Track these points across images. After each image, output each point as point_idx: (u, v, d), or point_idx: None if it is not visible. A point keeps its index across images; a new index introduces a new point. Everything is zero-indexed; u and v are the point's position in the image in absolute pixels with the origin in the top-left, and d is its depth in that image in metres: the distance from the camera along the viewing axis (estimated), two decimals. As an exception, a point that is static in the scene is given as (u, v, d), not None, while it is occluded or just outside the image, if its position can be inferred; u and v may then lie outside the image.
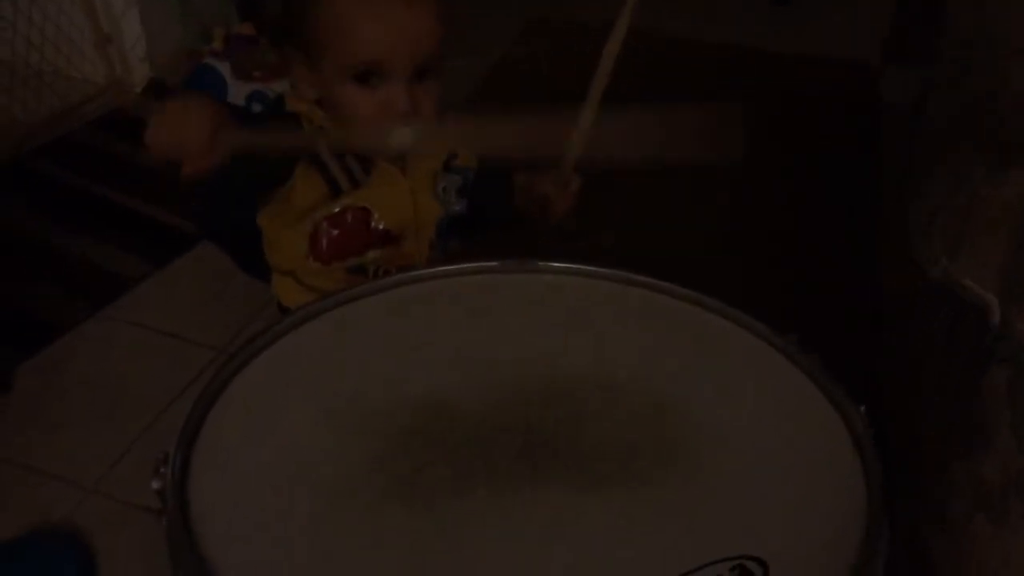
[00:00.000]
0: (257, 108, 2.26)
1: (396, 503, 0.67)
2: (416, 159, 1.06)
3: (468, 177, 1.11)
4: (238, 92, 2.29)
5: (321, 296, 0.88)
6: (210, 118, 0.81)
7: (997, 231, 0.99)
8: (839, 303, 1.76)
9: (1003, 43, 1.24)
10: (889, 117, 2.38)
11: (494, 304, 0.89)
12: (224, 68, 2.29)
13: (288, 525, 0.66)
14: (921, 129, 1.42)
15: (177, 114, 0.83)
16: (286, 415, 0.75)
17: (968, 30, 1.42)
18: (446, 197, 1.09)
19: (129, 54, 2.33)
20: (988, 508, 0.99)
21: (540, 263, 0.93)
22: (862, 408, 0.75)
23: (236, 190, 0.96)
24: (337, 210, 1.02)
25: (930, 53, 1.67)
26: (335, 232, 1.03)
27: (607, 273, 0.91)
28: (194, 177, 0.82)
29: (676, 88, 2.50)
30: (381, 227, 1.04)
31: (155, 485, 0.69)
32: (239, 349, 0.81)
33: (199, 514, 0.66)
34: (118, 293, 1.73)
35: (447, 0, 1.00)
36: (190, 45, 2.35)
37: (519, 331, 0.85)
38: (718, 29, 2.80)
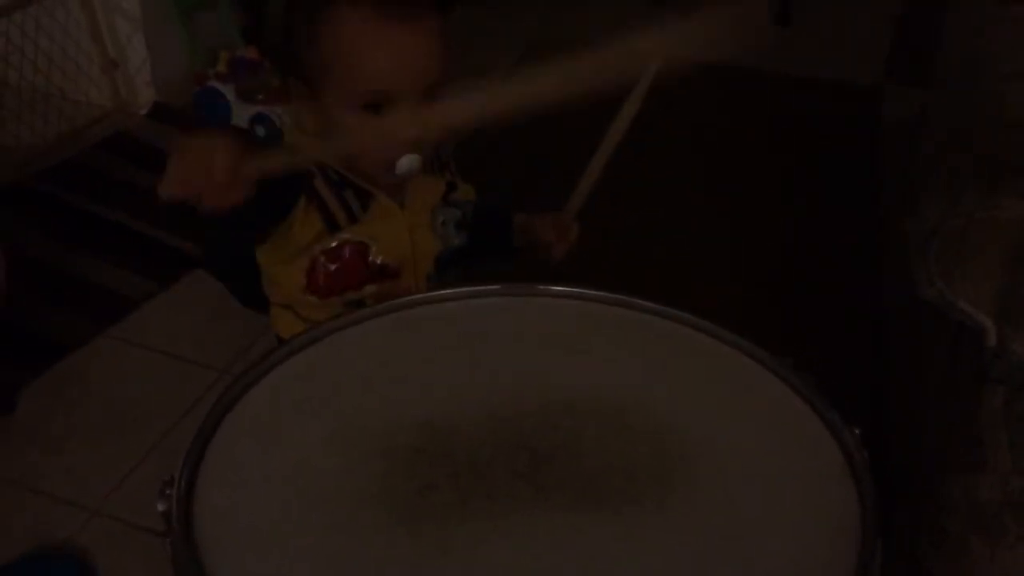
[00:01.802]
0: (261, 131, 2.28)
1: (399, 525, 0.67)
2: (415, 194, 1.06)
3: (467, 210, 1.11)
4: (242, 115, 2.31)
5: (323, 321, 0.89)
6: (233, 155, 0.79)
7: (993, 253, 1.00)
8: (839, 322, 1.77)
9: (999, 67, 1.25)
10: (888, 138, 2.39)
11: (494, 327, 0.89)
12: (228, 91, 2.31)
13: (292, 548, 0.67)
14: (919, 150, 1.43)
15: (202, 152, 0.80)
16: (290, 438, 0.76)
17: (965, 53, 1.43)
18: (445, 231, 1.09)
19: (134, 78, 2.36)
20: (984, 527, 0.99)
21: (539, 287, 0.94)
22: (857, 431, 0.76)
23: (239, 226, 0.95)
24: (334, 244, 1.01)
25: (928, 75, 1.68)
26: (332, 267, 1.02)
27: (606, 297, 0.92)
28: (215, 213, 0.80)
29: (674, 108, 2.51)
30: (379, 261, 1.03)
31: (160, 507, 0.69)
32: (243, 372, 0.82)
33: (204, 537, 0.67)
34: (122, 314, 1.74)
35: (446, 19, 0.99)
36: (195, 69, 2.37)
37: (519, 354, 0.86)
38: (719, 50, 2.81)
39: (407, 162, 0.97)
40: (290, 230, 1.00)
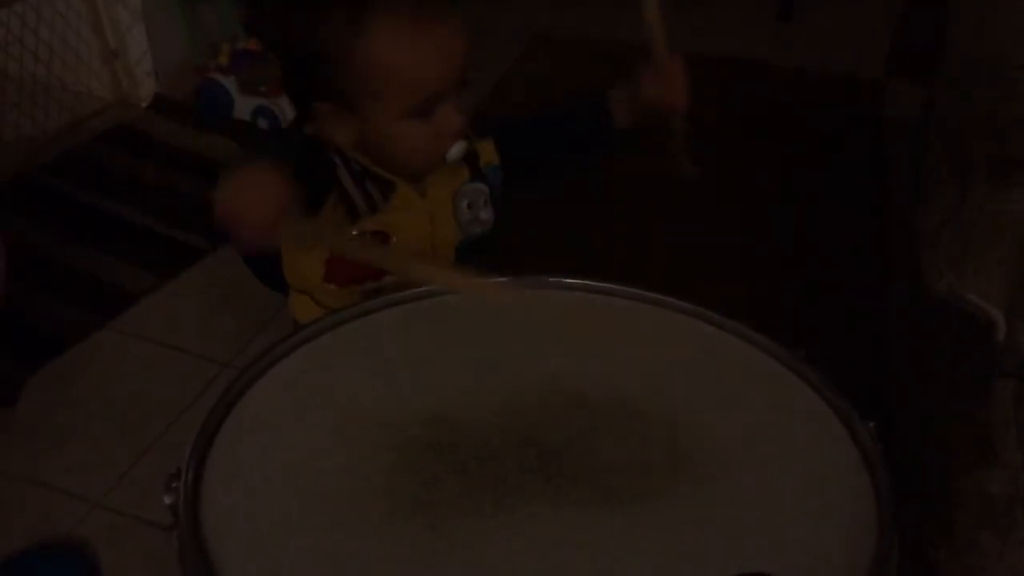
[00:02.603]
0: (263, 124, 2.28)
1: (407, 519, 0.67)
2: (436, 181, 1.05)
3: (496, 178, 1.10)
4: (244, 107, 2.30)
5: (332, 311, 0.89)
6: (279, 200, 0.77)
7: (1002, 246, 0.99)
8: (845, 317, 1.76)
9: (1006, 59, 1.24)
10: (892, 132, 2.39)
11: (505, 320, 0.89)
12: (230, 83, 2.30)
13: (299, 540, 0.66)
14: (925, 144, 1.43)
15: (252, 185, 0.78)
16: (296, 430, 0.76)
17: (971, 46, 1.43)
18: (471, 214, 1.08)
19: (135, 69, 2.35)
20: (995, 522, 0.99)
21: (551, 279, 0.93)
22: (871, 424, 0.75)
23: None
24: (355, 233, 1.01)
25: (933, 68, 1.68)
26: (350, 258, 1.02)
27: (617, 289, 0.92)
28: (246, 251, 0.80)
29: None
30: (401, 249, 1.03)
31: (167, 500, 0.69)
32: (249, 364, 0.81)
33: (211, 529, 0.67)
34: (124, 307, 1.73)
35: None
36: (196, 60, 2.36)
37: (529, 347, 0.85)
38: (721, 43, 2.80)
39: (457, 150, 0.99)
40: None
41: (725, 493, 0.70)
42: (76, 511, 1.35)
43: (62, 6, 2.23)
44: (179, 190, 2.04)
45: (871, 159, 2.30)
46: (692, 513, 0.69)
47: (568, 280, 0.93)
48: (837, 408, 0.78)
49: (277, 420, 0.77)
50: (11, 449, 1.44)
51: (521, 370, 0.82)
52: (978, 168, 1.10)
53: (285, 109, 2.29)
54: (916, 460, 1.19)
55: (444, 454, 0.72)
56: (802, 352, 0.83)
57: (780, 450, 0.75)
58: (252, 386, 0.80)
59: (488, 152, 1.09)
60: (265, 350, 0.83)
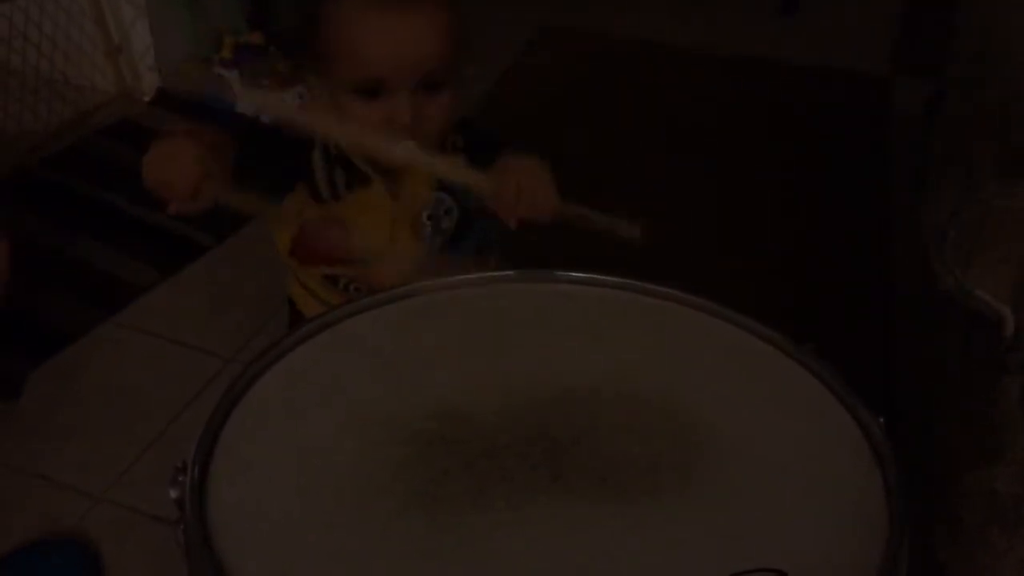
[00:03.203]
0: (266, 118, 2.27)
1: (415, 514, 0.67)
2: (408, 185, 1.05)
3: (461, 192, 1.08)
4: (246, 101, 2.30)
5: (339, 304, 0.88)
6: (195, 165, 0.81)
7: (1010, 242, 0.99)
8: (850, 314, 1.76)
9: (1014, 53, 1.24)
10: (899, 127, 2.38)
11: (511, 314, 0.88)
12: (233, 77, 2.30)
13: (306, 535, 0.66)
14: (932, 140, 1.42)
15: (164, 154, 0.83)
16: (304, 423, 0.75)
17: (979, 40, 1.42)
18: (432, 225, 1.07)
19: (138, 63, 2.34)
20: (1002, 519, 0.98)
21: (557, 273, 0.93)
22: (881, 420, 0.74)
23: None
24: (316, 218, 1.03)
25: (940, 63, 1.67)
26: (309, 238, 1.04)
27: (624, 283, 0.91)
28: (178, 214, 0.82)
29: (681, 98, 2.50)
30: (355, 245, 1.04)
31: (173, 494, 0.69)
32: (255, 358, 0.81)
33: (217, 523, 0.66)
34: (127, 301, 1.73)
35: (458, 9, 0.99)
36: (199, 54, 2.36)
37: (536, 341, 0.85)
38: (724, 39, 2.80)
39: (403, 148, 0.96)
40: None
41: (734, 490, 0.70)
42: (78, 506, 1.34)
43: (65, 1, 2.23)
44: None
45: (876, 155, 2.29)
46: (700, 510, 0.68)
47: (574, 274, 0.92)
48: (847, 403, 0.77)
49: (283, 414, 0.76)
50: (13, 444, 1.44)
51: (529, 365, 0.81)
52: (986, 164, 1.09)
53: (288, 102, 2.29)
54: (923, 457, 1.18)
55: (452, 450, 0.72)
56: (811, 346, 0.82)
57: (789, 446, 0.74)
58: (258, 380, 0.79)
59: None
60: (271, 344, 0.82)
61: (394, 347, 0.84)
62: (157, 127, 2.25)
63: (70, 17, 2.25)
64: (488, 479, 0.69)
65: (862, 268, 1.90)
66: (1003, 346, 0.97)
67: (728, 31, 2.85)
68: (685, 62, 2.69)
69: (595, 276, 0.92)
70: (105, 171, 2.08)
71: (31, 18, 2.18)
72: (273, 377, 0.80)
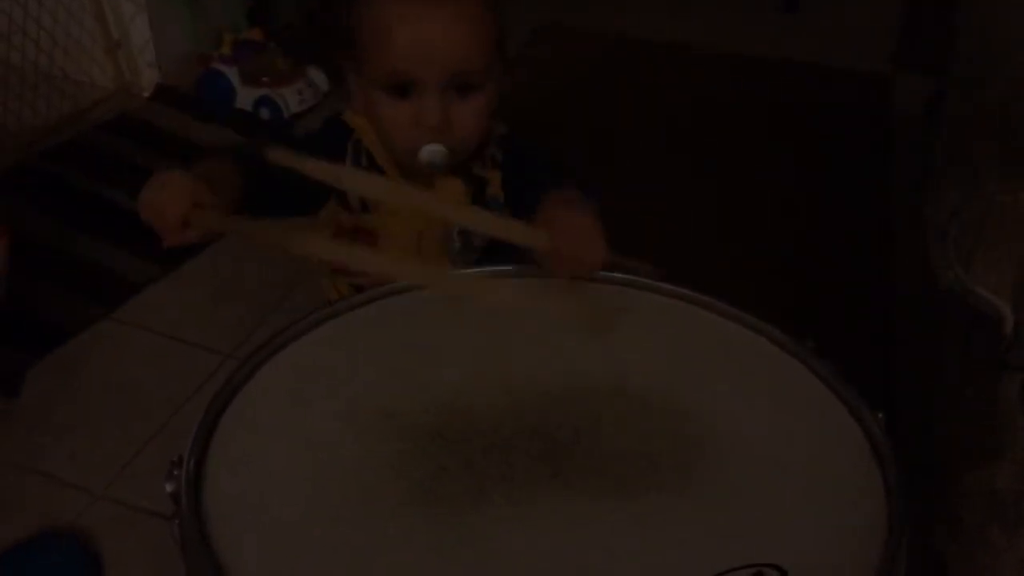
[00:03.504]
0: (265, 114, 2.27)
1: (414, 508, 0.66)
2: (443, 199, 1.01)
3: (500, 210, 1.05)
4: (246, 97, 2.30)
5: (337, 299, 0.88)
6: (186, 199, 0.81)
7: (1012, 239, 0.99)
8: (851, 311, 1.76)
9: (1016, 51, 1.23)
10: (901, 125, 2.38)
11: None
12: (232, 74, 2.29)
13: (304, 530, 0.66)
14: (935, 137, 1.42)
15: (154, 185, 0.83)
16: (302, 417, 0.75)
17: (979, 39, 1.42)
18: (462, 242, 1.05)
19: (138, 59, 2.34)
20: (1002, 517, 0.98)
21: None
22: (880, 415, 0.74)
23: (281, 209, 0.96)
24: (346, 225, 1.02)
25: (942, 61, 1.67)
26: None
27: (624, 279, 0.91)
28: (171, 246, 0.83)
29: (682, 96, 2.50)
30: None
31: (168, 488, 0.68)
32: (254, 351, 0.80)
33: (213, 517, 0.66)
34: (127, 296, 1.73)
35: (495, 7, 0.97)
36: (199, 50, 2.35)
37: (536, 336, 0.84)
38: (726, 37, 2.80)
39: (429, 152, 0.96)
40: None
41: (733, 488, 0.70)
42: (78, 502, 1.34)
43: (65, -5, 2.23)
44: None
45: (877, 154, 2.29)
46: (699, 506, 0.68)
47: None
48: (846, 400, 0.77)
49: (282, 408, 0.76)
50: (12, 440, 1.43)
51: (530, 360, 0.81)
52: (989, 161, 1.09)
53: (287, 99, 2.29)
54: (924, 455, 1.18)
55: (452, 445, 0.72)
56: (811, 343, 0.82)
57: (788, 442, 0.74)
58: (256, 373, 0.79)
59: (496, 184, 1.06)
60: (271, 336, 0.82)
61: (395, 341, 0.84)
62: (156, 123, 2.25)
63: (69, 13, 2.24)
64: (488, 476, 0.69)
65: (862, 267, 1.90)
66: (1003, 344, 0.97)
67: (729, 30, 2.85)
68: (685, 61, 2.68)
69: (596, 273, 0.91)
70: (104, 167, 2.08)
71: (30, 13, 2.18)
72: (272, 370, 0.80)
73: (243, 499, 0.68)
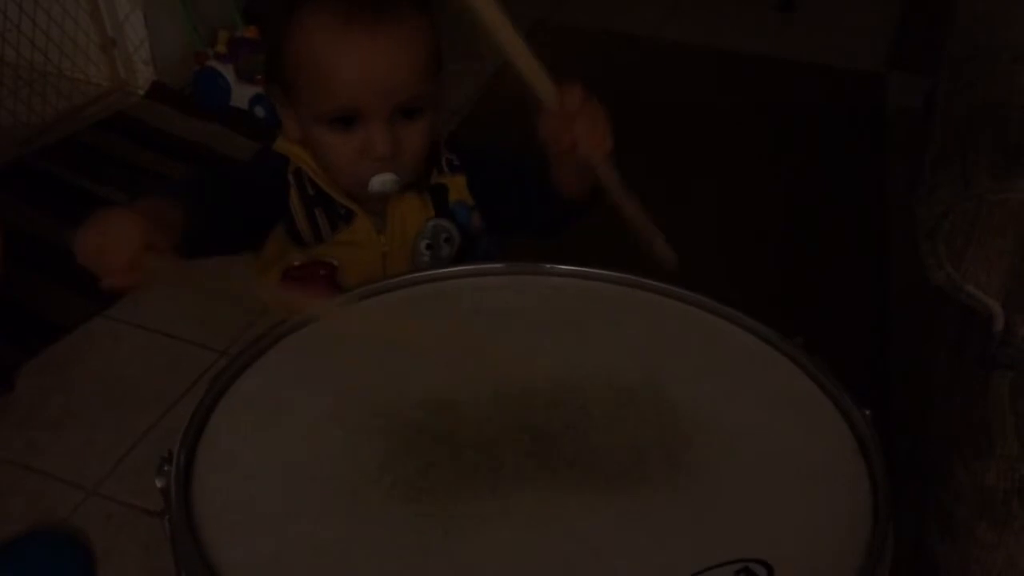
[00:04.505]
0: (260, 112, 2.27)
1: (402, 504, 0.67)
2: (397, 217, 0.99)
3: (465, 216, 1.02)
4: (241, 95, 2.30)
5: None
6: (131, 241, 0.74)
7: (1002, 238, 0.99)
8: (846, 308, 1.76)
9: (1009, 49, 1.24)
10: (896, 124, 2.38)
11: (499, 306, 0.88)
12: (227, 71, 2.29)
13: (292, 526, 0.66)
14: (928, 135, 1.42)
15: (106, 226, 0.75)
16: (291, 414, 0.75)
17: (974, 37, 1.42)
18: (431, 254, 1.01)
19: (133, 57, 2.34)
20: (992, 514, 0.99)
21: (545, 266, 0.92)
22: (867, 412, 0.75)
23: (228, 244, 0.92)
24: (297, 264, 0.97)
25: (935, 60, 1.67)
26: (297, 284, 0.98)
27: (612, 276, 0.91)
28: (113, 292, 0.76)
29: (677, 95, 2.50)
30: (345, 285, 0.98)
31: (159, 484, 0.68)
32: (242, 350, 0.80)
33: (203, 514, 0.66)
34: (120, 294, 1.72)
35: (433, 22, 0.92)
36: (194, 48, 2.36)
37: (525, 333, 0.85)
38: (721, 35, 2.80)
39: (379, 182, 0.92)
40: (269, 245, 0.97)
41: (720, 480, 0.70)
42: (71, 498, 1.34)
43: (60, -7, 2.23)
44: (176, 178, 2.03)
45: (873, 150, 2.30)
46: (687, 500, 0.68)
47: (562, 267, 0.92)
48: (833, 396, 0.77)
49: (270, 405, 0.76)
50: (6, 435, 1.44)
51: (517, 355, 0.81)
52: (980, 159, 1.09)
53: (283, 98, 2.29)
54: (918, 450, 1.18)
55: (440, 440, 0.72)
56: (800, 340, 0.82)
57: (775, 438, 0.74)
58: (247, 370, 0.79)
59: (459, 188, 1.02)
60: (260, 335, 0.82)
61: (382, 340, 0.84)
62: (151, 121, 2.25)
63: (64, 10, 2.25)
64: (475, 471, 0.69)
65: (857, 265, 1.90)
66: (993, 342, 0.98)
67: (725, 28, 2.85)
68: (681, 59, 2.69)
69: (583, 269, 0.91)
70: (99, 164, 2.08)
71: (25, 11, 2.18)
72: (260, 368, 0.80)
73: (232, 496, 0.68)
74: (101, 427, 1.46)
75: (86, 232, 0.76)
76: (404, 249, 1.00)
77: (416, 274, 0.91)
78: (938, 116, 1.45)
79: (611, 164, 0.87)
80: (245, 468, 0.71)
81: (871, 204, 2.09)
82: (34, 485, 1.37)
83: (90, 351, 1.61)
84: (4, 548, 1.25)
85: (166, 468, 0.68)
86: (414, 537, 0.65)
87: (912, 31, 2.79)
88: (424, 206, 1.00)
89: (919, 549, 1.07)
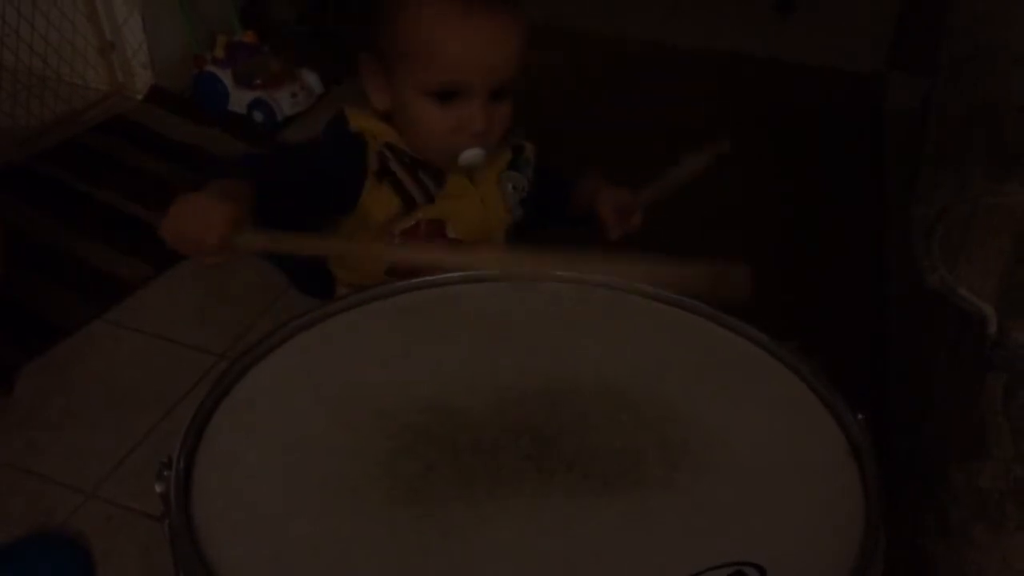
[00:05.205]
0: (258, 116, 2.27)
1: (401, 506, 0.67)
2: (488, 170, 1.05)
3: (526, 176, 1.10)
4: (239, 100, 2.30)
5: (328, 301, 0.89)
6: (225, 221, 0.78)
7: (997, 240, 0.99)
8: (843, 310, 1.76)
9: (1004, 52, 1.24)
10: (891, 126, 2.38)
11: (498, 310, 0.89)
12: (226, 76, 2.30)
13: (292, 529, 0.66)
14: (924, 137, 1.42)
15: (191, 211, 0.79)
16: (290, 418, 0.75)
17: (970, 38, 1.42)
18: (516, 196, 1.08)
19: (131, 61, 2.34)
20: (986, 516, 0.99)
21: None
22: (860, 417, 0.75)
23: (293, 223, 0.92)
24: (412, 224, 1.01)
25: (933, 62, 1.67)
26: (421, 241, 1.02)
27: (610, 281, 0.91)
28: (205, 267, 0.81)
29: (676, 96, 2.50)
30: (453, 237, 1.03)
31: (158, 488, 0.69)
32: (243, 353, 0.81)
33: (202, 517, 0.66)
34: (120, 297, 1.73)
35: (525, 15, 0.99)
36: (193, 52, 2.36)
37: (523, 336, 0.85)
38: (720, 36, 2.80)
39: (470, 156, 0.98)
40: (366, 214, 1.00)
41: (714, 483, 0.70)
42: (70, 501, 1.35)
43: (59, -3, 2.23)
44: (174, 181, 2.04)
45: (870, 152, 2.30)
46: (682, 502, 0.69)
47: (559, 272, 0.92)
48: (826, 400, 0.78)
49: (271, 409, 0.76)
50: (5, 438, 1.44)
51: (515, 360, 0.81)
52: (976, 161, 1.09)
53: (280, 102, 2.29)
54: (917, 451, 1.19)
55: (439, 442, 0.72)
56: (794, 344, 0.83)
57: (769, 441, 0.75)
58: (247, 373, 0.79)
59: (530, 151, 1.10)
60: (262, 337, 0.82)
61: (384, 341, 0.85)
62: (150, 124, 2.26)
63: (63, 14, 2.25)
64: (474, 473, 0.69)
65: (853, 267, 1.90)
66: (987, 344, 0.98)
67: (723, 30, 2.86)
68: (679, 61, 2.69)
69: (582, 275, 0.92)
70: (98, 168, 2.09)
71: (24, 15, 2.18)
72: (263, 370, 0.80)
73: (232, 499, 0.68)
74: (101, 429, 1.46)
75: (173, 221, 0.80)
76: (494, 191, 1.06)
77: (419, 279, 0.92)
78: (934, 117, 1.45)
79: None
80: (246, 468, 0.71)
81: (870, 205, 2.09)
82: (34, 487, 1.37)
83: (89, 354, 1.62)
84: (3, 551, 1.25)
85: (166, 473, 0.69)
86: (414, 538, 0.65)
87: (910, 32, 2.79)
88: (502, 155, 1.07)
89: (914, 550, 1.08)
